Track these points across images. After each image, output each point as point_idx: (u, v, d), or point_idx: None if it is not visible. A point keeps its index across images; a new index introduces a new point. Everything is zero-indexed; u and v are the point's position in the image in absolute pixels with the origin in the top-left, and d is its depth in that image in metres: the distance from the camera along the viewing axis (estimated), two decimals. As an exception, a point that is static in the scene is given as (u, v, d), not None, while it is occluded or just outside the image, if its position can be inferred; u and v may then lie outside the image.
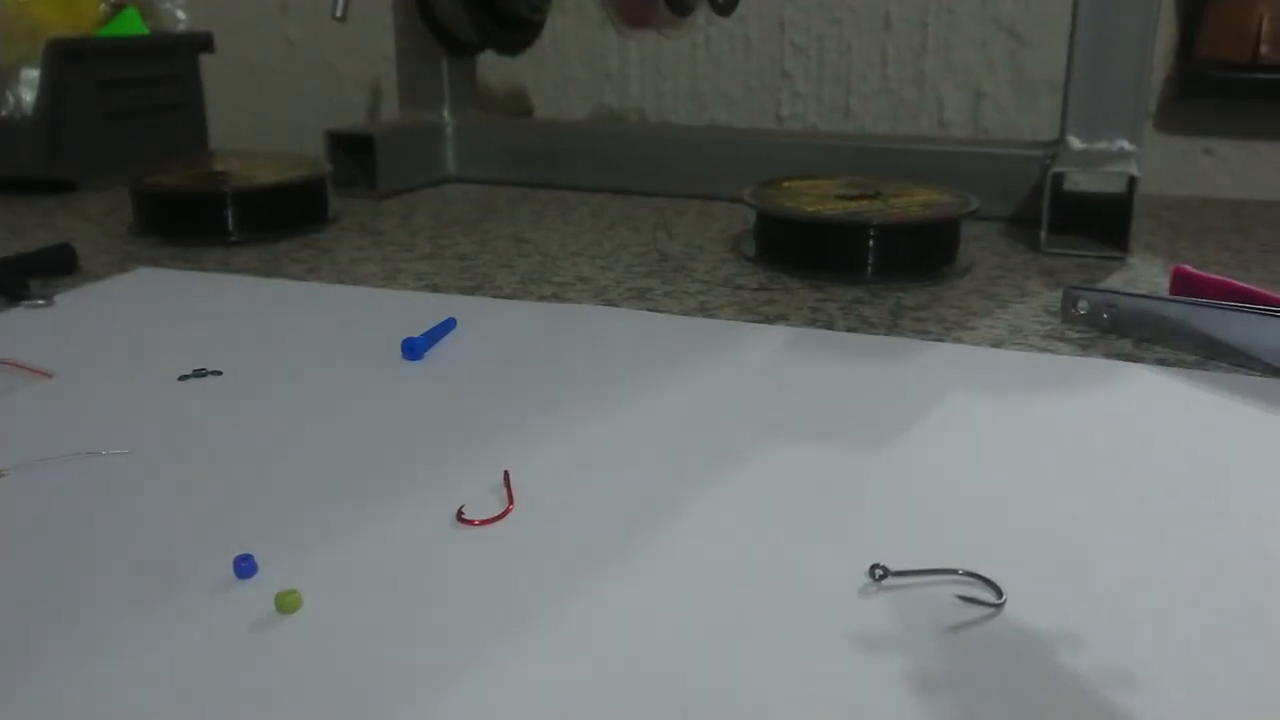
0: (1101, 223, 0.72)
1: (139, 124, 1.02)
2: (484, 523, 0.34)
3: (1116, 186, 0.71)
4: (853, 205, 0.68)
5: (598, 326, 0.55)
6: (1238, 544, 0.33)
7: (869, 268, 0.65)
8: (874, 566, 0.30)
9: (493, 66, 1.17)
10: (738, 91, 1.10)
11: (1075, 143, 0.77)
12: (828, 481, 0.37)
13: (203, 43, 1.09)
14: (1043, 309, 0.58)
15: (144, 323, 0.56)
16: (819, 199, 0.69)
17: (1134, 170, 0.69)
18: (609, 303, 0.59)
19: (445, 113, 1.01)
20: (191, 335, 0.54)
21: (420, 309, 0.57)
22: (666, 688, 0.26)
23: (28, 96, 0.95)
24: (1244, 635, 0.28)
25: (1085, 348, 0.52)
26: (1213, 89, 0.91)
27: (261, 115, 1.32)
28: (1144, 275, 0.65)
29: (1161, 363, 0.49)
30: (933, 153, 0.84)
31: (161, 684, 0.26)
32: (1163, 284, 0.62)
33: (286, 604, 0.29)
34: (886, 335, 0.54)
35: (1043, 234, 0.71)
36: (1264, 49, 0.88)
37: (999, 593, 0.29)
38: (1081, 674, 0.26)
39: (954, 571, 0.31)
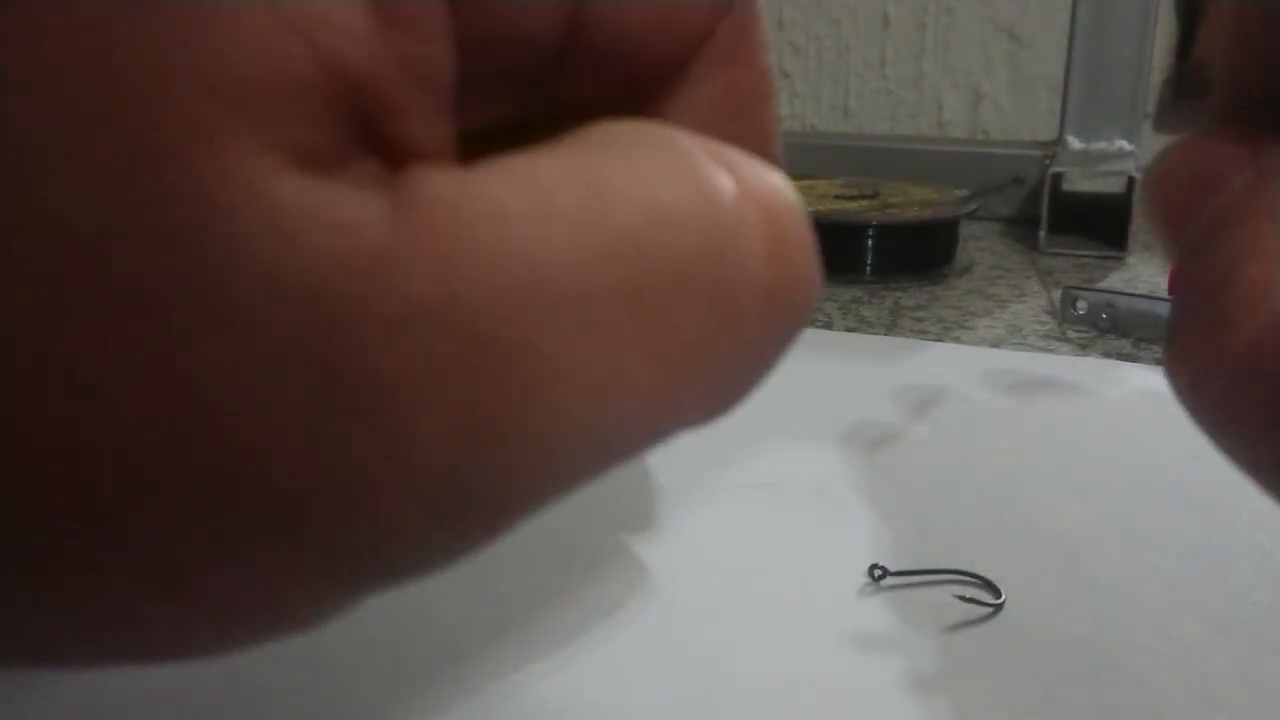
0: (1101, 223, 0.72)
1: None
2: (483, 523, 0.34)
3: (1115, 187, 0.71)
4: (851, 205, 0.68)
5: (596, 326, 0.55)
6: (1237, 544, 0.32)
7: (867, 267, 0.65)
8: (873, 566, 0.30)
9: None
10: (736, 92, 1.10)
11: (1074, 143, 0.77)
12: (827, 481, 0.37)
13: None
14: (1041, 309, 0.58)
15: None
16: (817, 199, 0.69)
17: (1133, 170, 0.69)
18: (608, 303, 0.59)
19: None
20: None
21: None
22: (665, 687, 0.26)
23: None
24: (1243, 635, 0.28)
25: (1084, 348, 0.52)
26: (1211, 89, 0.91)
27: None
28: (1143, 275, 0.65)
29: (1160, 363, 0.49)
30: (931, 153, 0.84)
31: (159, 682, 0.26)
32: (1161, 284, 0.62)
33: (285, 604, 0.29)
34: (885, 335, 0.54)
35: (1041, 234, 0.71)
36: (1262, 49, 0.88)
37: (997, 593, 0.29)
38: (1081, 674, 0.26)
39: (953, 571, 0.31)
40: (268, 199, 0.08)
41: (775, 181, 0.11)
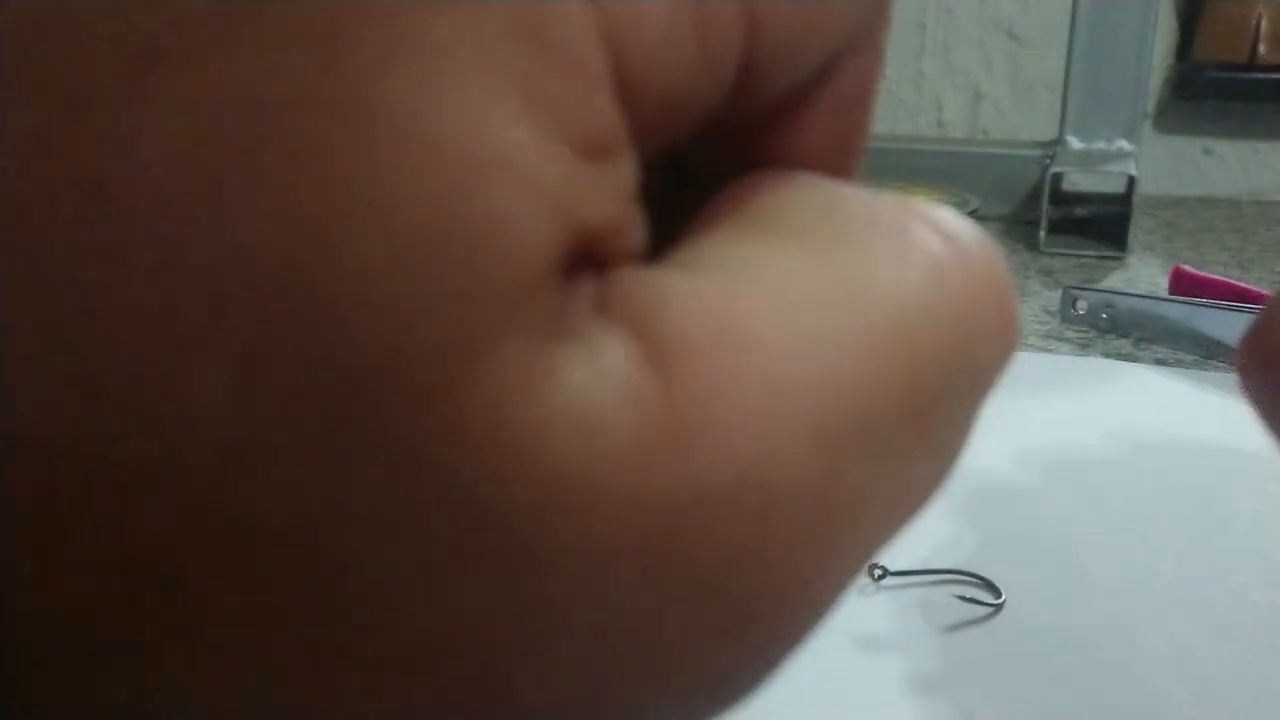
0: (1101, 223, 0.72)
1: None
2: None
3: (1115, 186, 0.71)
4: (851, 205, 0.68)
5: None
6: (1237, 543, 0.32)
7: (868, 268, 0.65)
8: (873, 566, 0.30)
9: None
10: (736, 92, 1.10)
11: (1074, 143, 0.77)
12: (827, 481, 0.37)
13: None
14: (1042, 309, 0.58)
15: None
16: (818, 199, 0.69)
17: (1132, 170, 0.69)
18: (608, 303, 0.59)
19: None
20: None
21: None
22: (666, 688, 0.26)
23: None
24: (1244, 635, 0.28)
25: (1084, 347, 0.52)
26: (1211, 89, 0.91)
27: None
28: (1143, 275, 0.65)
29: (1160, 363, 0.49)
30: (931, 153, 0.84)
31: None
32: (1161, 284, 0.62)
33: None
34: (885, 335, 0.54)
35: (1041, 234, 0.71)
36: (1262, 49, 0.88)
37: (997, 593, 0.29)
38: (1081, 674, 0.26)
39: (953, 571, 0.31)
40: (538, 409, 0.07)
41: (978, 237, 0.10)
